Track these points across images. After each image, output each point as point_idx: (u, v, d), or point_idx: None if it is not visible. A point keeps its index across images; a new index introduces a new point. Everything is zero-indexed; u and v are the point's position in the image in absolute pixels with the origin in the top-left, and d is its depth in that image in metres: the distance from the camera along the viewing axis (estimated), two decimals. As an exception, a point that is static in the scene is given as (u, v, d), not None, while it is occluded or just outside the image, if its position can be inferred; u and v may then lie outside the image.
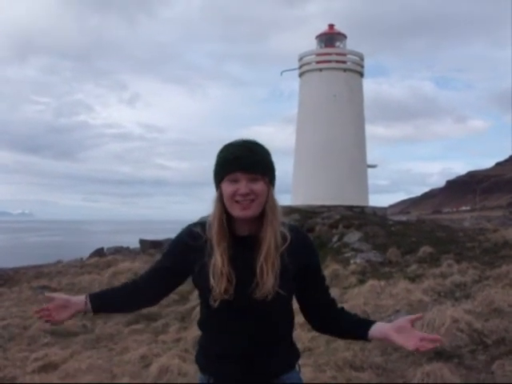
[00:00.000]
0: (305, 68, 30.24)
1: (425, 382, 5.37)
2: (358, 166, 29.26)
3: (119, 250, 37.86)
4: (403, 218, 35.33)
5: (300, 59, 30.63)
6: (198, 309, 11.56)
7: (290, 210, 25.71)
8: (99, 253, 36.83)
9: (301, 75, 30.63)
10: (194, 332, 8.83)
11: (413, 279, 12.88)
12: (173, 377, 6.65)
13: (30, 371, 8.79)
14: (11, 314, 15.09)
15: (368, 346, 6.95)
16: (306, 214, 24.56)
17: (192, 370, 6.83)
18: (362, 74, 30.43)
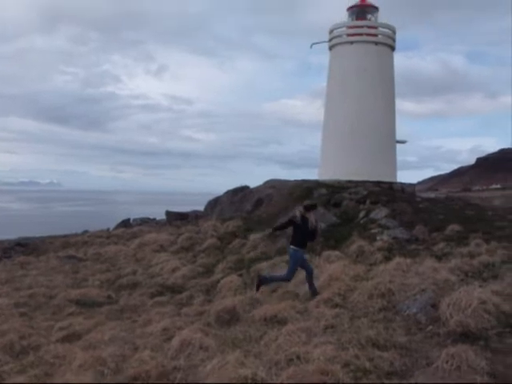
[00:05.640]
0: (335, 41, 29.75)
1: (449, 363, 5.26)
2: (387, 141, 28.86)
3: (145, 221, 38.18)
4: (432, 195, 34.88)
5: (330, 32, 30.13)
6: (222, 282, 11.59)
7: (317, 185, 25.55)
8: (125, 224, 37.18)
9: (331, 48, 30.17)
10: (218, 306, 8.81)
11: (440, 258, 12.69)
12: (194, 350, 6.63)
13: (54, 340, 8.91)
14: (38, 282, 15.32)
15: (392, 325, 6.84)
16: (334, 189, 24.39)
17: (213, 344, 6.80)
18: (393, 48, 29.82)
